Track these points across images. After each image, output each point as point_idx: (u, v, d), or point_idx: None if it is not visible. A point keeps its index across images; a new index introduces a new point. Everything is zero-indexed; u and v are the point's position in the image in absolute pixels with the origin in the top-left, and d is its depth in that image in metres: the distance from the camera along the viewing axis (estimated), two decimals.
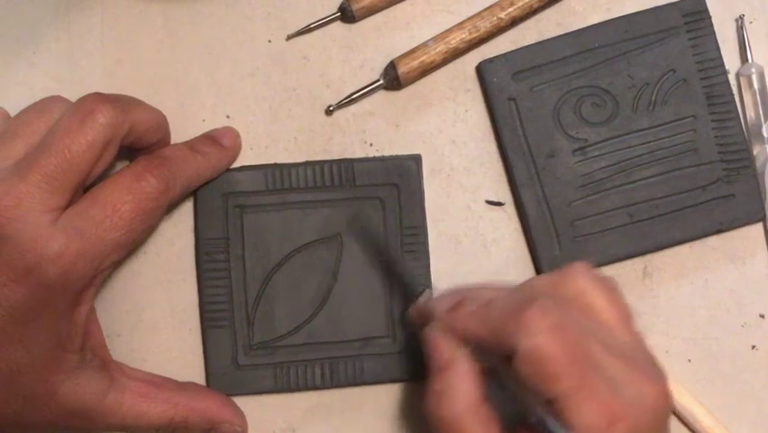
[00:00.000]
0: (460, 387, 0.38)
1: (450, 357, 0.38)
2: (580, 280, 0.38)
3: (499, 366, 0.38)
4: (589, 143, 0.46)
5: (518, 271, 0.46)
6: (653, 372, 0.37)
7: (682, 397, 0.45)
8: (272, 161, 0.46)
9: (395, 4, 0.47)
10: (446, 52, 0.46)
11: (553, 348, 0.35)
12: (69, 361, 0.39)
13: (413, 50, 0.46)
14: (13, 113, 0.42)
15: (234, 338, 0.45)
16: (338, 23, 0.47)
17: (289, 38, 0.47)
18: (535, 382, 0.35)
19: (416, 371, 0.45)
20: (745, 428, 0.46)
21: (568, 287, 0.38)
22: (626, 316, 0.39)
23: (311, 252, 0.46)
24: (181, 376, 0.45)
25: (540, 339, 0.35)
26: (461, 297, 0.39)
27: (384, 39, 0.47)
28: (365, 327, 0.45)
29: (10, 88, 0.46)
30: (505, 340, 0.36)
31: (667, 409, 0.37)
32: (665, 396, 0.37)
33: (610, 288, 0.39)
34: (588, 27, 0.47)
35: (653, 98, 0.46)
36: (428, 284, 0.45)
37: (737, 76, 0.48)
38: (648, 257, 0.46)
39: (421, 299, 0.42)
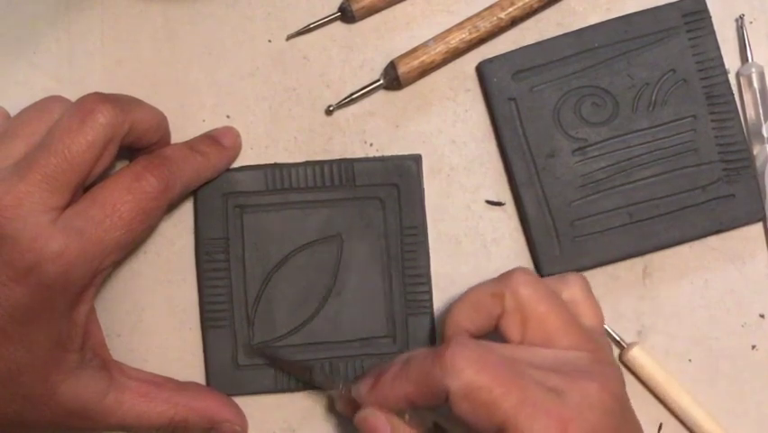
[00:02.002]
0: None
1: (387, 428, 0.39)
2: (520, 289, 0.39)
3: (440, 420, 0.38)
4: (589, 143, 0.46)
5: None
6: (593, 370, 0.37)
7: (682, 398, 0.45)
8: (272, 161, 0.46)
9: (395, 4, 0.47)
10: (446, 52, 0.46)
11: (482, 378, 0.35)
12: (69, 360, 0.39)
13: (413, 50, 0.46)
14: (13, 113, 0.42)
15: (234, 338, 0.45)
16: (338, 23, 0.47)
17: (289, 38, 0.47)
18: (478, 417, 0.35)
19: None
20: (745, 428, 0.46)
21: (507, 298, 0.39)
22: (567, 318, 0.39)
23: (311, 252, 0.46)
24: (181, 376, 0.45)
25: (467, 374, 0.35)
26: (376, 375, 0.40)
27: (384, 39, 0.47)
28: (365, 327, 0.45)
29: (10, 88, 0.46)
30: (434, 390, 0.36)
31: (617, 403, 0.37)
32: (610, 392, 0.36)
33: (548, 293, 0.39)
34: (588, 27, 0.47)
35: (653, 98, 0.46)
36: (426, 279, 0.45)
37: (737, 76, 0.48)
38: (648, 257, 0.46)
39: (343, 391, 0.42)
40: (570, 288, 0.41)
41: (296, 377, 0.44)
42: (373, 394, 0.39)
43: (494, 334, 0.39)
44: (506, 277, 0.40)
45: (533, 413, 0.34)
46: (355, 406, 0.40)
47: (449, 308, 0.41)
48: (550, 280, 0.41)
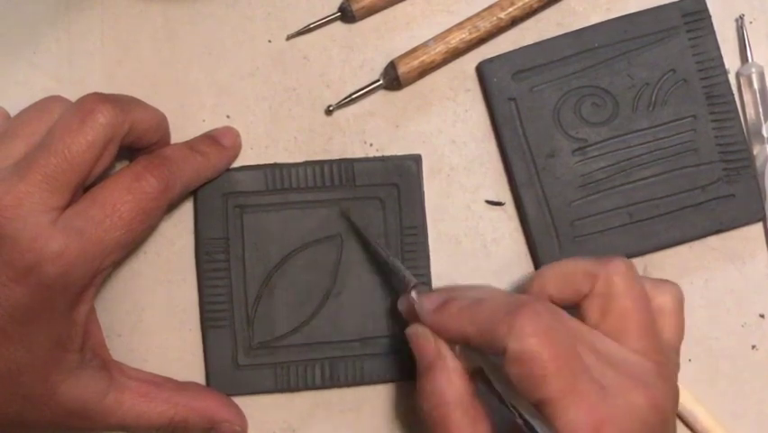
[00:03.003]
0: (447, 383, 0.38)
1: (436, 355, 0.38)
2: (615, 277, 0.38)
3: (486, 367, 0.38)
4: (589, 143, 0.46)
5: (518, 272, 0.46)
6: (650, 382, 0.37)
7: (682, 396, 0.45)
8: (272, 161, 0.46)
9: (395, 4, 0.47)
10: (446, 52, 0.46)
11: (542, 351, 0.35)
12: (69, 360, 0.39)
13: (413, 50, 0.46)
14: (13, 113, 0.42)
15: (234, 338, 0.45)
16: (338, 23, 0.47)
17: (289, 38, 0.47)
18: (523, 384, 0.35)
19: (415, 371, 0.45)
20: (745, 428, 0.46)
21: (600, 281, 0.38)
22: (647, 322, 0.38)
23: (311, 252, 0.46)
24: (181, 376, 0.45)
25: (530, 342, 0.35)
26: (447, 296, 0.39)
27: (384, 39, 0.47)
28: (365, 327, 0.45)
29: (10, 88, 0.46)
30: (494, 341, 0.36)
31: (660, 421, 0.36)
32: (658, 408, 0.36)
33: (639, 292, 0.38)
34: (588, 27, 0.47)
35: (653, 98, 0.46)
36: (426, 279, 0.45)
37: (737, 76, 0.48)
38: (648, 257, 0.46)
39: (412, 294, 0.41)
40: (664, 296, 0.40)
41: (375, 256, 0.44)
42: (435, 317, 0.39)
43: (572, 310, 0.39)
44: (605, 261, 0.39)
45: (574, 403, 0.34)
46: (415, 316, 0.40)
47: (540, 269, 0.40)
48: (647, 281, 0.40)
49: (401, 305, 0.42)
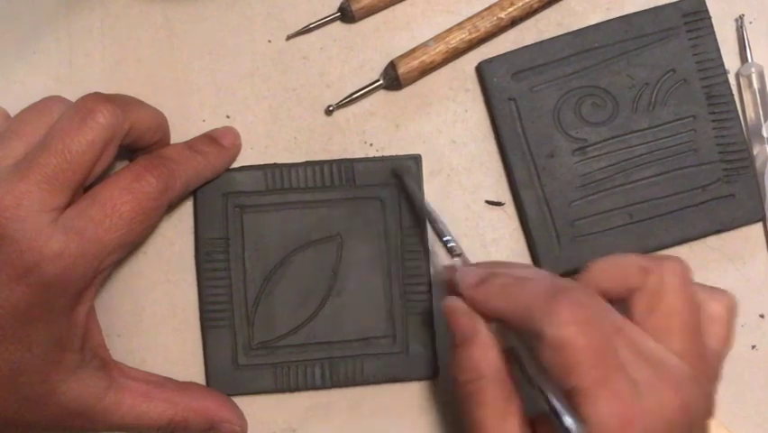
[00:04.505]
0: (482, 357, 0.38)
1: (472, 330, 0.38)
2: (668, 276, 0.38)
3: (520, 348, 0.38)
4: (589, 143, 0.46)
5: None
6: (684, 385, 0.36)
7: None
8: (272, 161, 0.46)
9: (395, 4, 0.47)
10: (446, 52, 0.46)
11: (579, 341, 0.35)
12: (69, 361, 0.39)
13: (413, 50, 0.46)
14: (13, 113, 0.42)
15: (234, 338, 0.45)
16: (338, 23, 0.47)
17: (289, 38, 0.47)
18: (557, 371, 0.35)
19: (415, 371, 0.45)
20: (746, 428, 0.46)
21: (652, 278, 0.38)
22: (693, 326, 0.38)
23: (311, 252, 0.46)
24: (181, 376, 0.45)
25: (569, 330, 0.35)
26: (490, 271, 0.39)
27: (384, 39, 0.47)
28: (365, 327, 0.45)
29: (10, 88, 0.46)
30: (532, 323, 0.36)
31: (688, 425, 0.36)
32: (687, 412, 0.36)
33: (690, 295, 0.38)
34: (587, 27, 0.47)
35: (653, 98, 0.47)
36: (426, 279, 0.45)
37: (737, 76, 0.48)
38: None
39: (456, 262, 0.41)
40: (715, 303, 0.39)
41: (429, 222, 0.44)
42: (474, 291, 0.39)
43: (618, 304, 0.39)
44: (661, 259, 0.39)
45: (605, 396, 0.34)
46: (454, 288, 0.40)
47: (593, 262, 0.39)
48: (702, 287, 0.40)
49: (442, 273, 0.42)
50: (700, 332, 0.38)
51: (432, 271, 0.42)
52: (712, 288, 0.40)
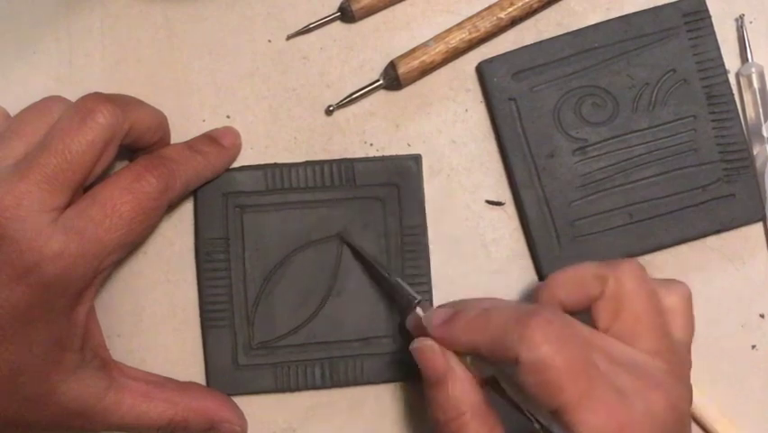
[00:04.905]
0: (461, 393, 0.38)
1: (445, 367, 0.38)
2: (625, 279, 0.38)
3: (499, 376, 0.38)
4: (589, 143, 0.46)
5: (518, 271, 0.47)
6: (665, 383, 0.36)
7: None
8: (272, 161, 0.46)
9: (395, 4, 0.47)
10: (446, 52, 0.46)
11: (556, 359, 0.35)
12: (69, 361, 0.39)
13: (413, 50, 0.46)
14: (13, 113, 0.42)
15: (234, 338, 0.45)
16: (338, 23, 0.47)
17: (289, 38, 0.47)
18: (539, 392, 0.35)
19: (416, 371, 0.45)
20: (746, 428, 0.46)
21: (610, 284, 0.38)
22: (658, 323, 0.38)
23: (311, 252, 0.46)
24: (181, 376, 0.45)
25: (543, 350, 0.35)
26: (454, 309, 0.39)
27: (384, 39, 0.47)
28: (365, 327, 0.45)
29: (10, 88, 0.46)
30: (506, 350, 0.36)
31: (677, 421, 0.36)
32: (675, 409, 0.36)
33: (649, 293, 0.38)
34: (587, 27, 0.47)
35: (653, 98, 0.46)
36: (426, 279, 0.45)
37: (737, 76, 0.48)
38: (648, 257, 0.46)
39: (418, 310, 0.41)
40: (672, 296, 0.40)
41: (372, 277, 0.44)
42: (443, 330, 0.39)
43: (583, 315, 0.39)
44: (615, 264, 0.39)
45: (593, 408, 0.34)
46: (423, 331, 0.40)
47: (549, 276, 0.40)
48: (656, 281, 0.40)
49: (409, 323, 0.42)
50: (667, 327, 0.38)
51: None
52: (666, 280, 0.41)
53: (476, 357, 0.38)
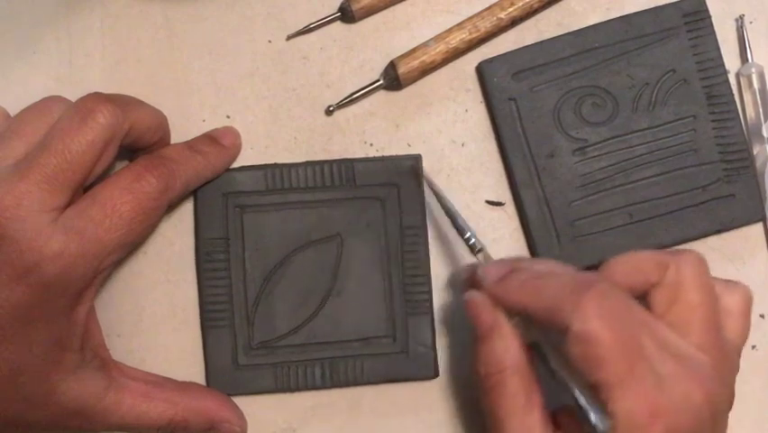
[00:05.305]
0: (504, 350, 0.38)
1: (494, 322, 0.38)
2: (685, 269, 0.38)
3: (543, 342, 0.38)
4: (589, 143, 0.46)
5: None
6: (707, 378, 0.36)
7: None
8: (272, 161, 0.46)
9: (395, 4, 0.47)
10: (446, 52, 0.46)
11: (605, 334, 0.35)
12: (69, 360, 0.39)
13: (413, 50, 0.46)
14: (13, 113, 0.42)
15: (234, 338, 0.45)
16: (338, 23, 0.47)
17: (289, 38, 0.47)
18: (583, 365, 0.35)
19: (415, 371, 0.45)
20: (746, 429, 0.46)
21: (670, 272, 0.38)
22: (712, 319, 0.38)
23: (311, 252, 0.46)
24: (181, 376, 0.45)
25: (594, 324, 0.35)
26: (511, 267, 0.39)
27: (384, 39, 0.47)
28: (365, 327, 0.45)
29: (10, 88, 0.46)
30: (557, 318, 0.36)
31: (712, 417, 0.36)
32: (712, 404, 0.36)
33: (708, 288, 0.38)
34: (587, 27, 0.47)
35: (653, 98, 0.47)
36: (426, 279, 0.45)
37: (737, 76, 0.48)
38: None
39: (479, 258, 0.42)
40: (733, 296, 0.40)
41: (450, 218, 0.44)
42: (497, 286, 0.39)
43: (640, 301, 0.39)
44: (678, 253, 0.39)
45: (631, 390, 0.34)
46: (475, 284, 0.40)
47: (610, 260, 0.39)
48: (719, 280, 0.40)
49: (464, 271, 0.42)
50: (719, 325, 0.38)
51: (444, 270, 0.43)
52: (728, 281, 0.40)
53: (524, 319, 0.38)
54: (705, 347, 0.37)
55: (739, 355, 0.40)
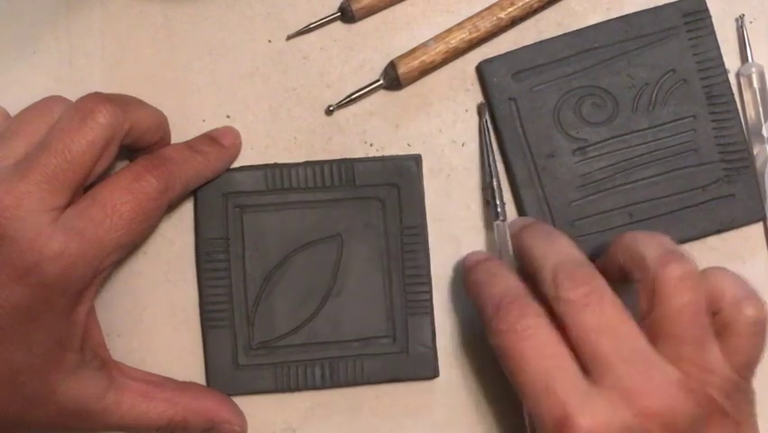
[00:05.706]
0: (506, 286, 0.40)
1: (498, 270, 0.41)
2: (667, 279, 0.38)
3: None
4: (589, 143, 0.46)
5: None
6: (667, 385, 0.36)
7: None
8: (272, 161, 0.46)
9: (395, 4, 0.47)
10: (446, 52, 0.46)
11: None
12: (69, 361, 0.39)
13: (413, 50, 0.46)
14: (13, 113, 0.42)
15: (234, 338, 0.45)
16: (338, 23, 0.47)
17: (289, 38, 0.47)
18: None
19: (415, 371, 0.45)
20: None
21: (649, 277, 0.38)
22: (697, 333, 0.37)
23: (311, 252, 0.46)
24: (181, 376, 0.45)
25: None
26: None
27: (384, 39, 0.47)
28: (365, 327, 0.45)
29: (10, 88, 0.46)
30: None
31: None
32: (647, 417, 0.36)
33: (695, 300, 0.37)
34: (587, 27, 0.47)
35: (653, 98, 0.47)
36: (425, 279, 0.45)
37: (737, 76, 0.48)
38: None
39: (497, 224, 0.44)
40: (741, 312, 0.38)
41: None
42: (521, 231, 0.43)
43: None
44: (665, 258, 0.38)
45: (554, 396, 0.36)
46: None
47: (627, 234, 0.41)
48: (737, 287, 0.39)
49: (467, 260, 0.44)
50: (706, 339, 0.37)
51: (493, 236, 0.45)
52: (745, 290, 0.39)
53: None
54: (676, 359, 0.37)
55: (746, 379, 0.38)
